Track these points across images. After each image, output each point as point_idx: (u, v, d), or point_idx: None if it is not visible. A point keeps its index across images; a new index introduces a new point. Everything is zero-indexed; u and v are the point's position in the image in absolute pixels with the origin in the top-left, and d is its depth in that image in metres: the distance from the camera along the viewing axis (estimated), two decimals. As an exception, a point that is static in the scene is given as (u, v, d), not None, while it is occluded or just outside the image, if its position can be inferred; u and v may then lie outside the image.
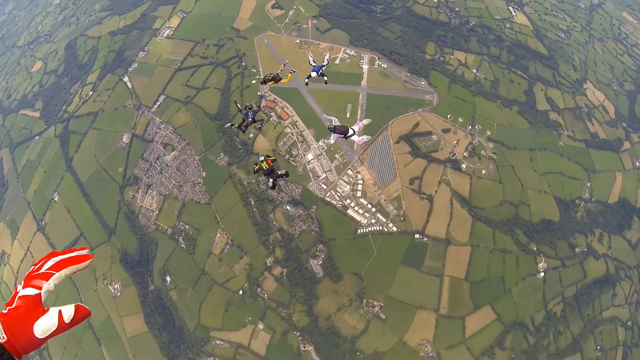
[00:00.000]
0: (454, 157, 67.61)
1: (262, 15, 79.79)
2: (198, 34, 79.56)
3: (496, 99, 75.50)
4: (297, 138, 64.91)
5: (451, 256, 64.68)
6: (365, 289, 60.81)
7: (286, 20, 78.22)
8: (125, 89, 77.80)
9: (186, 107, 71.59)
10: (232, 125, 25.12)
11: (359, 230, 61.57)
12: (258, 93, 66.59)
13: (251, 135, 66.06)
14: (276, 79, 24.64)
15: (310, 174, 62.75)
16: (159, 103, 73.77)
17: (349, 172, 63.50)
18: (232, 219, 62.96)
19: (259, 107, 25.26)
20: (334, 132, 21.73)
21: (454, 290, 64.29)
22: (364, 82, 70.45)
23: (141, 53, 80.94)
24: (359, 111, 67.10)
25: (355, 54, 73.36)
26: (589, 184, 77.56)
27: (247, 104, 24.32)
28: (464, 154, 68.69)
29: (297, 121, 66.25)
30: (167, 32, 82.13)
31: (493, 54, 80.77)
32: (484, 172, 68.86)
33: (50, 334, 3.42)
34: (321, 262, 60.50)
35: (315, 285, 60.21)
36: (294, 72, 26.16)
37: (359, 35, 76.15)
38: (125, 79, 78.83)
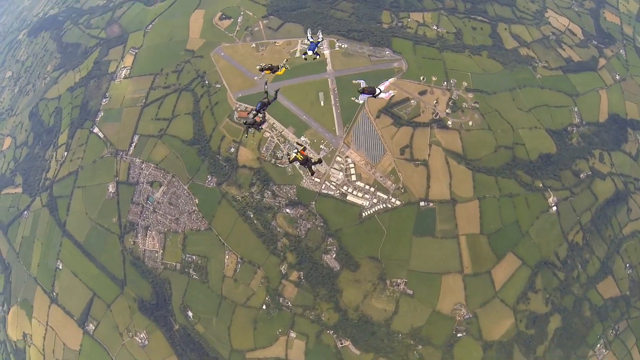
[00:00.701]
0: (437, 117, 66.62)
1: (212, 29, 78.56)
2: (154, 65, 78.28)
3: (463, 49, 74.51)
4: (278, 140, 63.86)
5: (461, 214, 63.76)
6: (386, 270, 59.86)
7: (237, 28, 76.97)
8: (98, 140, 76.53)
9: (162, 141, 70.42)
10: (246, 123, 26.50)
11: (363, 214, 60.57)
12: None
13: (232, 149, 64.90)
14: (272, 69, 26.37)
15: (300, 171, 61.65)
16: (134, 144, 72.57)
17: (338, 158, 62.43)
18: (236, 237, 61.88)
19: (268, 100, 26.43)
20: (362, 93, 23.46)
21: (473, 247, 63.43)
22: (329, 67, 69.38)
23: (104, 100, 79.67)
24: (332, 96, 66.13)
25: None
26: (576, 109, 76.75)
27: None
28: (447, 110, 67.67)
29: (273, 123, 65.20)
30: (124, 72, 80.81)
31: (449, 6, 79.70)
32: (470, 123, 67.91)
33: None
34: (335, 255, 59.50)
35: (335, 280, 59.22)
36: (288, 68, 27.40)
37: (313, 23, 74.87)
38: (96, 130, 77.58)
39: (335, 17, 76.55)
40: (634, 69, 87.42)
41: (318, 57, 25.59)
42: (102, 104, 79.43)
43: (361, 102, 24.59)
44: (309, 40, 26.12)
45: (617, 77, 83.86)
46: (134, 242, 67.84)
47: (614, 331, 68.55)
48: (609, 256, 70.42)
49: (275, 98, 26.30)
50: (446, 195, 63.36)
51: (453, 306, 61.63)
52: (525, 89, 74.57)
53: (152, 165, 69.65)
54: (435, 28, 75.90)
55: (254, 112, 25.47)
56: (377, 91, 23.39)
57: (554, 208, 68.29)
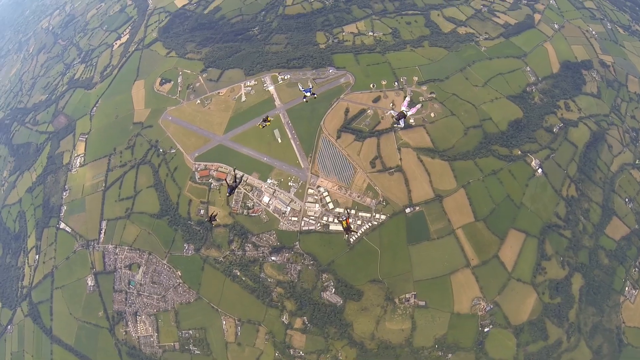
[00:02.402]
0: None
1: (155, 96, 77.38)
2: (107, 147, 76.13)
3: (405, 46, 74.60)
4: (245, 189, 61.33)
5: (450, 208, 61.37)
6: (391, 289, 56.44)
7: (179, 89, 76.03)
8: (66, 236, 73.06)
9: (130, 220, 67.35)
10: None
11: (351, 239, 57.60)
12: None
13: (202, 212, 62.09)
14: (231, 187, 34.35)
15: (275, 214, 58.98)
16: (103, 230, 69.31)
17: (310, 190, 60.08)
18: (228, 299, 58.04)
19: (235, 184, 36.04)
20: (401, 119, 28.85)
21: (473, 236, 60.73)
22: (277, 102, 68.27)
23: (65, 194, 76.75)
24: (288, 131, 64.51)
25: (256, 82, 71.46)
26: (528, 68, 76.96)
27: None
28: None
29: (236, 174, 62.85)
30: (78, 160, 78.49)
31: (378, 9, 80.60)
32: (432, 115, 66.75)
33: None
34: (334, 290, 55.98)
35: (341, 315, 55.43)
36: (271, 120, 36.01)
37: (251, 64, 74.51)
38: (62, 225, 74.25)
39: (272, 52, 76.35)
40: (568, 14, 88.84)
41: (315, 96, 34.55)
42: (64, 197, 76.42)
43: (402, 125, 30.08)
44: (301, 90, 35.44)
45: (556, 27, 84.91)
46: (126, 331, 63.39)
47: (636, 269, 66.06)
48: (607, 197, 69.06)
49: (238, 183, 31.61)
50: (430, 194, 61.10)
51: (471, 303, 58.23)
52: (475, 65, 74.60)
53: (127, 248, 66.18)
54: (372, 34, 76.18)
55: (227, 196, 30.95)
56: (405, 113, 28.62)
57: (539, 170, 66.90)
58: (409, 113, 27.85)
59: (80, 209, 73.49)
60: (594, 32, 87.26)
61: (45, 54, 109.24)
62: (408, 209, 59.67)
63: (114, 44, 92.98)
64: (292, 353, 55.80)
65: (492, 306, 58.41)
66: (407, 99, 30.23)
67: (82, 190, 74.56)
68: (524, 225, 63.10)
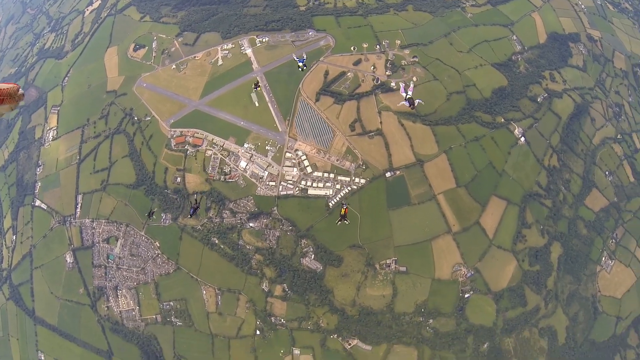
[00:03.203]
0: (379, 82, 63.52)
1: (129, 63, 73.81)
2: (80, 118, 73.07)
3: (388, 9, 71.86)
4: (222, 154, 59.58)
5: (432, 173, 60.65)
6: (371, 254, 56.13)
7: (153, 55, 72.55)
8: (42, 213, 70.82)
9: (106, 192, 65.29)
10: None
11: (330, 204, 56.68)
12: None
13: (178, 179, 60.34)
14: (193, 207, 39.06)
15: (252, 179, 57.50)
16: (79, 205, 67.16)
17: (288, 154, 58.54)
18: (208, 268, 57.22)
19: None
20: (412, 103, 29.69)
21: (454, 202, 60.36)
22: (255, 65, 65.59)
23: (38, 169, 73.92)
24: (265, 94, 62.22)
25: (233, 45, 68.38)
26: (514, 37, 75.20)
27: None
28: (387, 73, 64.70)
29: (212, 139, 61.03)
30: (51, 134, 75.31)
31: (361, -29, 77.05)
32: (415, 78, 64.86)
33: None
34: (313, 256, 55.44)
35: (321, 281, 55.11)
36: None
37: (229, 27, 71.22)
38: (37, 202, 71.79)
39: (250, 14, 72.95)
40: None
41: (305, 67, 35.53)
42: (37, 173, 73.63)
43: (415, 104, 30.38)
44: (296, 59, 37.14)
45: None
46: (108, 307, 62.45)
47: (613, 240, 67.43)
48: (588, 169, 69.30)
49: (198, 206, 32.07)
50: (411, 159, 60.11)
51: (452, 269, 58.41)
52: (460, 31, 72.45)
53: (104, 221, 64.40)
54: (354, -4, 73.06)
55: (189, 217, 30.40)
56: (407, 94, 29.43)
57: (522, 139, 66.30)
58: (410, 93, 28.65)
59: (54, 184, 71.02)
60: (583, 6, 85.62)
61: (13, 25, 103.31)
62: (388, 173, 58.70)
63: (86, 10, 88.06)
64: (273, 321, 55.64)
65: (472, 272, 58.71)
66: (404, 85, 30.62)
67: (56, 164, 71.85)
68: (506, 193, 62.98)
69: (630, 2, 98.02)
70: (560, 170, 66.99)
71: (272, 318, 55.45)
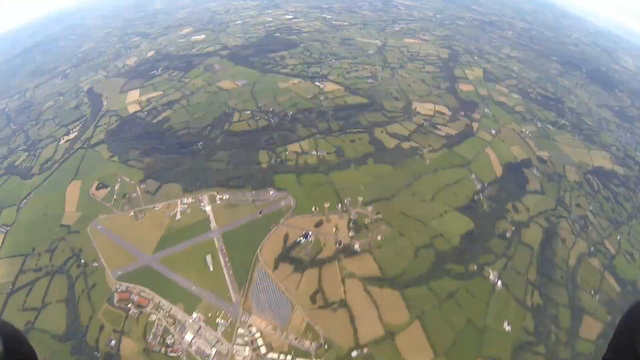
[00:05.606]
0: (342, 245, 62.78)
1: (89, 200, 73.47)
2: (26, 245, 68.50)
3: (348, 165, 76.33)
4: (167, 322, 54.05)
5: (405, 347, 55.21)
6: None
7: (114, 197, 72.82)
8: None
9: (28, 337, 57.11)
10: None
11: (293, 405, 49.54)
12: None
13: (113, 342, 53.32)
14: None
15: (197, 357, 50.88)
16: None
17: (240, 330, 53.11)
18: None
19: None
20: None
21: (436, 378, 53.63)
22: (213, 225, 65.00)
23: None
24: (221, 257, 59.87)
25: (193, 200, 69.32)
26: (473, 176, 79.37)
27: None
28: (350, 234, 64.62)
29: (159, 302, 56.14)
30: (-8, 252, 69.95)
31: (323, 128, 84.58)
32: (379, 237, 64.88)
33: None
34: None
35: None
36: None
37: (191, 180, 73.54)
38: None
39: (214, 168, 76.26)
40: (502, 119, 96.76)
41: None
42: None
43: None
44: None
45: (493, 132, 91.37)
46: None
47: None
48: (572, 295, 65.76)
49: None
50: (380, 332, 55.49)
51: None
52: (421, 179, 76.15)
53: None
54: (315, 153, 78.45)
55: None
56: None
57: (499, 283, 63.76)
58: None
59: (-24, 313, 62.62)
60: (527, 132, 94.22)
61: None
62: (354, 352, 53.00)
63: (62, 138, 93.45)
64: None
65: None
66: None
67: (-14, 290, 64.53)
68: (493, 352, 57.18)
69: (565, 118, 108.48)
70: (544, 307, 63.21)
71: None
